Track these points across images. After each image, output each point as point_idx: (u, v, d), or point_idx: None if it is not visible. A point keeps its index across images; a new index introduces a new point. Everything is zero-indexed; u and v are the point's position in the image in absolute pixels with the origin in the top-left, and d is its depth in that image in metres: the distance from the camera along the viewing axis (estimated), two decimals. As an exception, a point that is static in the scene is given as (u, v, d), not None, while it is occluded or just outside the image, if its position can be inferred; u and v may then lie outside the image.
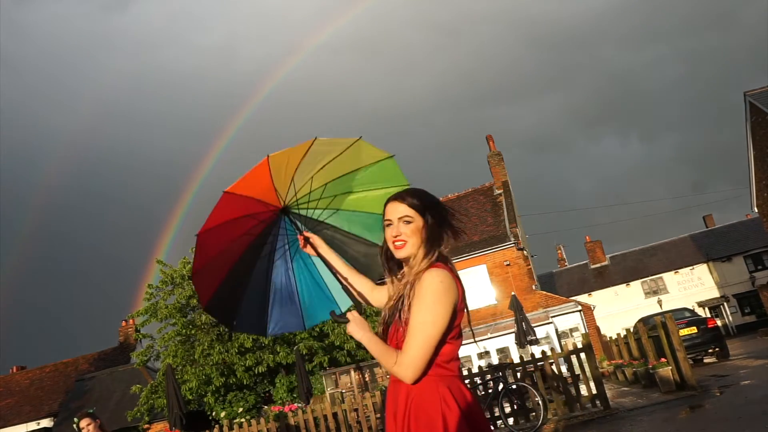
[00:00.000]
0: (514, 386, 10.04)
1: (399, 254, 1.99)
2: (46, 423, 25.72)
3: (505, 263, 24.55)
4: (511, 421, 9.87)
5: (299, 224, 2.56)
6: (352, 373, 16.03)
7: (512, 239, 24.66)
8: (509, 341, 21.55)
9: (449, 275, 1.90)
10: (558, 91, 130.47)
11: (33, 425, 25.92)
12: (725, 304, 37.21)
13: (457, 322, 1.91)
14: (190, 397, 17.05)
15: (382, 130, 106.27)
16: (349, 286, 2.39)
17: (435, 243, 1.99)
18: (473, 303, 23.88)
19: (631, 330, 15.03)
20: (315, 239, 2.50)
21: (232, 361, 16.90)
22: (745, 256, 37.46)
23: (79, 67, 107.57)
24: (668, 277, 38.28)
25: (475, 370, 12.54)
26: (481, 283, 24.39)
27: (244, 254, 2.52)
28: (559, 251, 46.17)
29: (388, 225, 2.02)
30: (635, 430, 7.71)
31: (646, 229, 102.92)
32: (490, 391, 10.26)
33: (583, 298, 35.47)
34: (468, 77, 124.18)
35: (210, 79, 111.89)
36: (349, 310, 2.12)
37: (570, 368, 10.38)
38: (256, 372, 17.11)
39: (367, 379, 15.87)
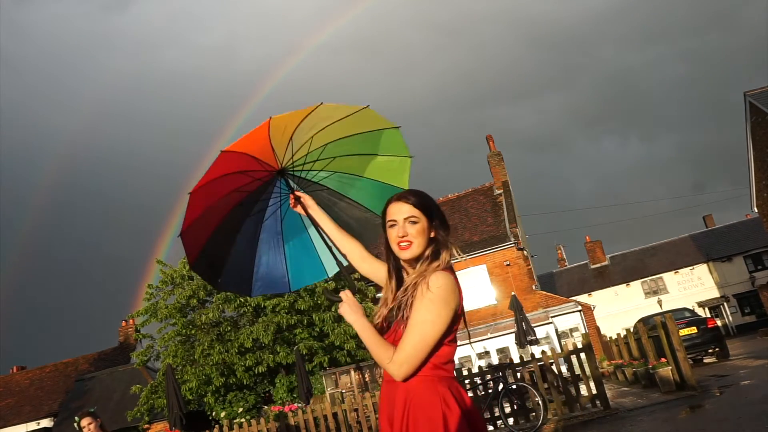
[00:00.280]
0: (514, 386, 10.04)
1: (404, 255, 1.96)
2: (46, 423, 25.71)
3: (505, 263, 24.54)
4: (511, 421, 9.87)
5: (293, 184, 2.50)
6: (352, 373, 16.03)
7: (512, 239, 24.66)
8: (509, 341, 21.55)
9: (454, 280, 1.89)
10: (558, 91, 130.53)
11: (33, 425, 25.92)
12: (725, 304, 37.20)
13: (456, 327, 1.90)
14: (190, 397, 17.06)
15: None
16: (338, 250, 2.34)
17: (442, 245, 1.97)
18: (473, 303, 23.88)
19: (631, 330, 15.03)
20: (306, 199, 2.44)
21: (232, 361, 16.90)
22: (745, 256, 37.46)
23: (79, 67, 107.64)
24: (668, 277, 38.28)
25: (475, 370, 12.55)
26: (481, 283, 24.38)
27: (234, 210, 2.43)
28: (559, 251, 46.18)
29: (392, 225, 1.98)
30: (635, 430, 7.71)
31: (646, 229, 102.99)
32: (490, 391, 10.26)
33: (583, 298, 35.47)
34: (468, 77, 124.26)
35: (210, 79, 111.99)
36: (341, 289, 2.07)
37: (570, 368, 10.39)
38: (256, 372, 17.11)
39: (367, 379, 15.86)
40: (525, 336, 16.41)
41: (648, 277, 38.71)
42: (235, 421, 11.94)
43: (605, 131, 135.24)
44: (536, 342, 16.78)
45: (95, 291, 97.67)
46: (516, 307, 16.71)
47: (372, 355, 1.89)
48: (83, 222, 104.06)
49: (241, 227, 2.51)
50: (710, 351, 15.56)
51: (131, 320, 29.17)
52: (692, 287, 37.68)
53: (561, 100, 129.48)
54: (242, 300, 17.47)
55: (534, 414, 9.79)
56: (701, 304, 36.59)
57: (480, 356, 22.38)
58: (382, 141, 2.49)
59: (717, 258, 37.65)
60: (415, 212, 1.95)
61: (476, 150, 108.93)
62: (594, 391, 10.11)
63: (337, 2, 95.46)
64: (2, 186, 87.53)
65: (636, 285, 38.75)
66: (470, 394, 10.17)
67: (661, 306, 35.62)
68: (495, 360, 21.57)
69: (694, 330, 15.29)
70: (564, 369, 10.97)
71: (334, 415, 10.90)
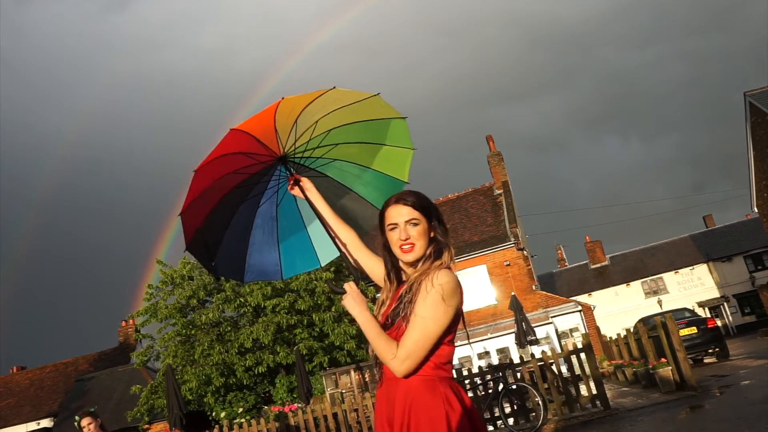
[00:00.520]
0: (514, 386, 10.03)
1: (408, 258, 1.95)
2: (46, 423, 25.72)
3: (505, 263, 24.54)
4: (511, 421, 9.87)
5: (293, 170, 2.47)
6: (352, 373, 16.02)
7: (512, 239, 24.65)
8: (509, 341, 21.54)
9: (456, 279, 1.89)
10: (558, 91, 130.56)
11: (33, 425, 25.92)
12: (725, 304, 37.20)
13: (456, 327, 1.90)
14: (190, 398, 17.05)
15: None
16: (335, 236, 2.31)
17: (443, 245, 1.97)
18: (474, 303, 23.87)
19: (631, 330, 15.02)
20: (305, 182, 2.40)
21: (232, 361, 16.89)
22: (745, 256, 37.45)
23: (79, 68, 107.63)
24: (668, 277, 38.28)
25: (475, 370, 12.54)
26: (481, 283, 24.37)
27: (231, 192, 2.38)
28: (559, 251, 46.17)
29: (393, 228, 1.97)
30: (635, 430, 7.71)
31: (646, 229, 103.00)
32: (490, 391, 10.25)
33: (583, 298, 35.45)
34: (468, 77, 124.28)
35: (210, 80, 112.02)
36: (342, 284, 2.05)
37: (570, 368, 10.38)
38: (256, 372, 17.11)
39: (367, 379, 15.85)
40: (525, 336, 16.41)
41: (648, 277, 38.71)
42: (235, 421, 11.94)
43: (605, 131, 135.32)
44: (536, 342, 16.78)
45: (95, 291, 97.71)
46: (516, 307, 16.71)
47: (374, 350, 1.87)
48: (83, 222, 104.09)
49: (236, 210, 2.47)
50: (710, 351, 15.56)
51: (131, 320, 29.18)
52: (692, 287, 37.67)
53: (561, 100, 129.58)
54: (242, 300, 17.47)
55: (534, 414, 9.79)
56: (701, 304, 36.59)
57: (480, 356, 22.37)
58: (386, 130, 2.46)
59: (717, 258, 37.64)
60: (416, 214, 1.95)
61: (476, 150, 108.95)
62: (594, 392, 10.11)
63: (337, 3, 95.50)
64: (2, 186, 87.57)
65: (636, 285, 38.74)
66: (470, 394, 10.17)
67: (661, 306, 35.60)
68: (495, 360, 21.56)
69: (694, 330, 15.28)
70: (564, 369, 10.97)
71: (334, 415, 10.89)
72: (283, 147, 2.36)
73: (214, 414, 17.25)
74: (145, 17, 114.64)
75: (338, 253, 2.34)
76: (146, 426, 20.73)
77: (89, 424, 5.04)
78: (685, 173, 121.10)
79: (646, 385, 11.59)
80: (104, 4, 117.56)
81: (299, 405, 12.98)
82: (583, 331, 22.14)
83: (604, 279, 40.14)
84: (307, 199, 2.38)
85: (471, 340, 22.27)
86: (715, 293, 37.45)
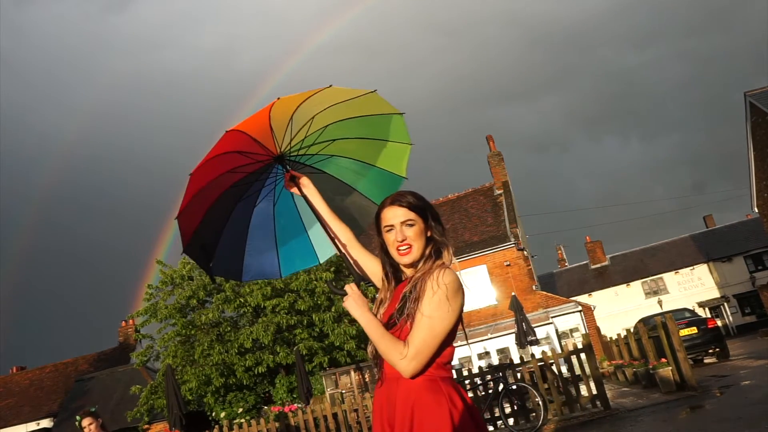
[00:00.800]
0: (514, 387, 10.02)
1: (405, 260, 1.94)
2: (45, 423, 25.71)
3: (506, 263, 24.53)
4: (511, 421, 9.86)
5: (289, 168, 2.43)
6: (352, 373, 16.01)
7: (512, 239, 24.64)
8: (509, 341, 21.53)
9: (459, 279, 1.88)
10: (558, 91, 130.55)
11: (33, 425, 25.91)
12: (725, 304, 37.18)
13: (458, 327, 1.89)
14: (190, 398, 17.04)
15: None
16: (334, 236, 2.29)
17: (441, 244, 1.96)
18: (474, 303, 23.88)
19: (632, 330, 15.01)
20: (303, 179, 2.38)
21: (231, 361, 16.88)
22: (745, 256, 37.43)
23: (79, 68, 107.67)
24: (668, 278, 38.26)
25: (475, 370, 12.53)
26: (481, 284, 24.36)
27: (227, 192, 2.35)
28: (559, 251, 46.16)
29: (389, 230, 1.96)
30: (635, 430, 7.70)
31: (646, 229, 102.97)
32: (490, 391, 10.24)
33: (583, 298, 35.44)
34: (468, 77, 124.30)
35: (210, 80, 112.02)
36: (343, 285, 2.03)
37: (570, 369, 10.37)
38: (256, 372, 17.08)
39: (367, 379, 15.84)
40: (525, 336, 16.40)
41: (648, 277, 38.69)
42: (234, 421, 11.93)
43: (605, 131, 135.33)
44: (536, 342, 16.77)
45: (95, 291, 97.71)
46: (516, 307, 16.70)
47: (380, 351, 1.86)
48: (83, 223, 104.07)
49: (233, 209, 2.44)
50: (710, 351, 15.55)
51: (131, 320, 29.18)
52: (692, 287, 37.66)
53: (561, 100, 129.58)
54: (242, 300, 17.46)
55: (534, 414, 9.78)
56: (701, 305, 36.57)
57: (480, 357, 22.37)
58: (383, 126, 2.43)
59: (717, 258, 37.62)
60: (411, 215, 1.94)
61: (476, 150, 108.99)
62: (594, 392, 10.10)
63: (337, 3, 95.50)
64: (2, 186, 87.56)
65: (636, 285, 38.73)
66: (470, 394, 10.16)
67: (661, 306, 35.59)
68: (495, 360, 21.55)
69: (694, 330, 15.27)
70: (564, 369, 10.96)
71: (334, 415, 10.89)
72: (280, 146, 2.33)
73: (213, 414, 17.23)
74: (145, 17, 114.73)
75: (337, 251, 2.33)
76: (146, 426, 20.72)
77: (90, 424, 5.04)
78: (685, 173, 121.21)
79: (646, 386, 11.58)
80: (104, 4, 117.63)
81: (299, 405, 12.97)
82: (584, 332, 22.12)
83: (605, 279, 40.12)
84: (303, 196, 2.36)
85: (471, 341, 22.26)
86: (716, 293, 37.43)
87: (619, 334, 17.90)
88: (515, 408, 10.05)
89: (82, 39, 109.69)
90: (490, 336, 22.57)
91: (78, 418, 5.14)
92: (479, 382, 10.54)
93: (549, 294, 25.42)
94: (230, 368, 17.08)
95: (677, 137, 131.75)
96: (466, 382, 10.57)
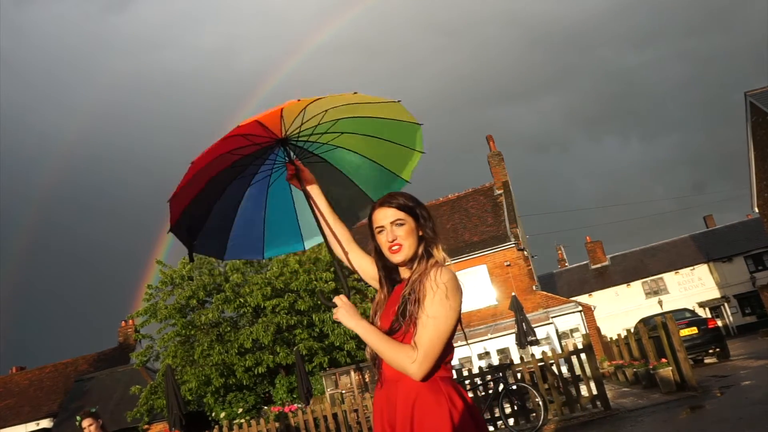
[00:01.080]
0: (514, 387, 10.02)
1: (397, 259, 1.95)
2: (45, 423, 25.68)
3: (506, 264, 24.52)
4: (511, 421, 9.85)
5: (292, 155, 2.40)
6: (352, 373, 16.00)
7: (512, 239, 24.63)
8: (510, 342, 21.52)
9: (457, 277, 1.88)
10: (558, 92, 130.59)
11: (32, 426, 25.89)
12: (726, 304, 37.16)
13: (460, 325, 1.89)
14: (190, 398, 17.03)
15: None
16: (329, 231, 2.28)
17: (433, 240, 1.97)
18: (474, 303, 23.86)
19: (632, 330, 15.00)
20: (307, 173, 2.36)
21: (231, 361, 16.87)
22: (745, 256, 37.42)
23: (79, 68, 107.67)
24: (669, 278, 38.25)
25: (475, 370, 12.52)
26: (481, 284, 24.35)
27: (223, 172, 2.31)
28: (559, 251, 46.15)
29: (380, 231, 1.98)
30: (636, 430, 7.69)
31: (646, 230, 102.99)
32: (490, 391, 10.24)
33: (583, 298, 35.43)
34: (468, 77, 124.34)
35: (210, 80, 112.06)
36: (335, 294, 2.01)
37: (570, 369, 10.36)
38: (256, 372, 17.07)
39: (367, 379, 15.84)
40: (525, 336, 16.39)
41: (648, 277, 38.68)
42: (234, 421, 11.92)
43: (605, 131, 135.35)
44: (536, 342, 16.76)
45: (95, 291, 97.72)
46: (516, 307, 16.69)
47: (385, 358, 1.84)
48: (83, 223, 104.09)
49: (225, 188, 2.42)
50: (711, 351, 15.53)
51: (131, 320, 29.15)
52: (693, 287, 37.65)
53: (561, 100, 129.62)
54: (242, 300, 17.44)
55: (534, 414, 9.77)
56: (702, 305, 36.56)
57: (480, 357, 22.36)
58: (398, 130, 2.42)
59: (717, 258, 37.61)
60: (400, 214, 1.96)
61: (476, 150, 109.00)
62: (594, 392, 10.09)
63: (337, 3, 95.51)
64: (2, 186, 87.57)
65: (636, 285, 38.72)
66: (470, 394, 10.15)
67: (661, 306, 35.57)
68: (495, 360, 21.54)
69: (694, 330, 15.26)
70: (564, 369, 10.95)
71: (334, 415, 10.88)
72: (286, 130, 2.29)
73: (213, 414, 17.22)
74: (145, 17, 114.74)
75: (322, 239, 2.31)
76: (146, 426, 20.70)
77: (90, 425, 5.03)
78: (685, 173, 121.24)
79: (646, 386, 11.57)
80: (104, 4, 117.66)
81: (299, 405, 12.96)
82: (584, 332, 22.12)
83: (605, 279, 40.11)
84: (304, 190, 2.34)
85: (471, 341, 22.26)
86: (716, 293, 37.42)
87: (619, 335, 17.89)
88: (515, 408, 10.04)
89: (82, 39, 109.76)
90: (490, 336, 22.56)
91: (78, 418, 5.13)
92: (479, 382, 10.53)
93: (549, 294, 25.40)
94: (230, 368, 17.07)
95: (677, 137, 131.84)
96: (466, 382, 10.56)
